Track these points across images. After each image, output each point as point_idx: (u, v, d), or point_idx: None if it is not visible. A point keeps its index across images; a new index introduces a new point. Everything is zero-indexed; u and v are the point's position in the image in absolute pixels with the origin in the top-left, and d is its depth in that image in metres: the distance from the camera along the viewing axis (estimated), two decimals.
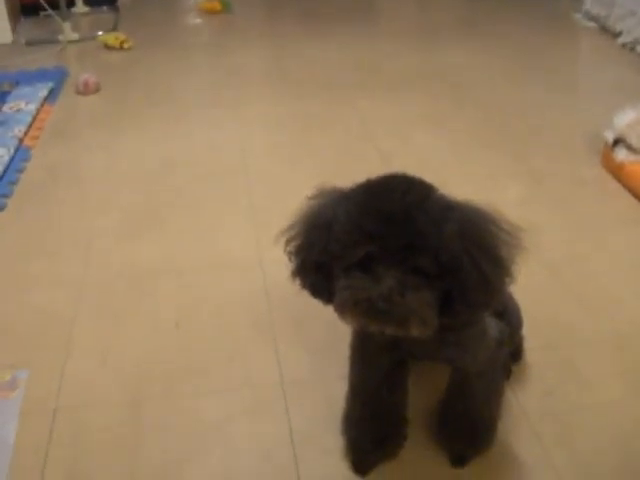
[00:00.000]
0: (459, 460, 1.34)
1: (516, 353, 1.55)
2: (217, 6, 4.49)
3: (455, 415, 1.34)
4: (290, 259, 1.15)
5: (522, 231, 1.10)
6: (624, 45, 3.68)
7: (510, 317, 1.44)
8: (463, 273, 1.03)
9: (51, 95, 3.20)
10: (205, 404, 1.51)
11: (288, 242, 1.15)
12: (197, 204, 2.29)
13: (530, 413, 1.46)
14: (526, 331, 1.55)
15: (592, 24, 4.04)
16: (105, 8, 4.57)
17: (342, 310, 1.04)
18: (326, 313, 1.70)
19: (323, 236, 1.08)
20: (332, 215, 1.07)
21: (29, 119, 2.91)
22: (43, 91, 3.18)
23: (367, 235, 1.01)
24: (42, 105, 3.08)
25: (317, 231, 1.10)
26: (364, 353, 1.30)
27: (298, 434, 1.42)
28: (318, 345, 1.65)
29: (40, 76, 3.39)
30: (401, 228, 1.00)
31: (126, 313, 1.80)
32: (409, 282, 1.00)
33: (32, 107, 3.02)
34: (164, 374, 1.60)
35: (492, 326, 1.26)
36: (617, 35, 3.77)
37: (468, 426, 1.32)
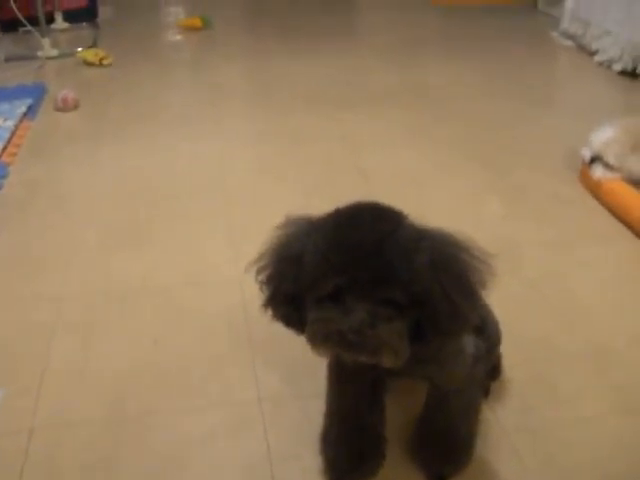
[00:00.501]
0: (437, 478, 1.33)
1: (495, 371, 1.55)
2: (197, 22, 4.50)
3: (433, 433, 1.33)
4: (261, 289, 1.15)
5: (492, 257, 1.10)
6: (600, 63, 3.72)
7: (489, 332, 1.43)
8: (434, 303, 1.03)
9: (30, 111, 3.18)
10: (184, 422, 1.50)
11: (259, 272, 1.14)
12: (177, 220, 2.28)
13: (509, 430, 1.45)
14: (505, 347, 1.54)
15: (569, 42, 4.09)
16: (85, 24, 4.57)
17: (313, 342, 1.05)
18: None
19: (293, 268, 1.07)
20: (301, 247, 1.07)
21: (7, 135, 2.89)
22: (21, 107, 3.17)
23: (336, 268, 1.00)
24: (20, 121, 3.06)
25: (287, 263, 1.09)
26: (341, 372, 1.29)
27: (276, 452, 1.41)
28: (296, 362, 1.64)
29: (19, 92, 3.38)
30: (370, 261, 0.99)
31: (105, 330, 1.79)
32: (380, 313, 0.99)
33: (10, 123, 3.00)
34: (143, 392, 1.58)
35: (469, 343, 1.26)
36: (593, 54, 3.81)
37: (446, 444, 1.32)
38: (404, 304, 1.01)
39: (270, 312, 1.15)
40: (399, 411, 1.45)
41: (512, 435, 1.44)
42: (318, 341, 1.04)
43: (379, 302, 1.00)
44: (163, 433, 1.47)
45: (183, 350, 1.71)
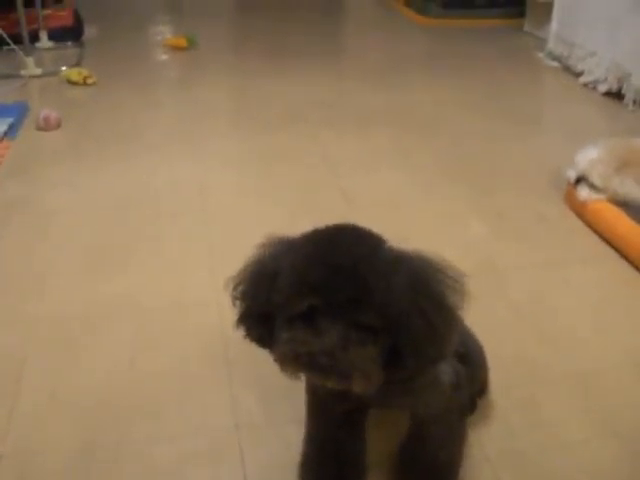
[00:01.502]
0: None
1: (481, 389, 1.53)
2: (183, 42, 4.48)
3: (413, 461, 1.30)
4: (235, 305, 1.12)
5: (467, 278, 1.08)
6: (586, 84, 3.73)
7: (473, 357, 1.42)
8: (412, 326, 1.00)
9: (10, 130, 3.14)
10: (158, 450, 1.45)
11: (234, 288, 1.12)
12: (156, 242, 2.25)
13: (492, 455, 1.42)
14: (489, 370, 1.53)
15: (555, 63, 4.09)
16: (70, 44, 4.54)
17: (282, 363, 1.02)
18: None
19: (267, 286, 1.05)
20: (277, 265, 1.05)
21: None
22: (2, 126, 3.12)
23: (311, 287, 0.98)
24: (1, 141, 3.02)
25: (261, 281, 1.07)
26: (318, 400, 1.26)
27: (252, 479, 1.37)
28: (274, 386, 1.60)
29: (0, 111, 3.34)
30: (347, 282, 0.97)
31: (79, 353, 1.75)
32: (353, 337, 0.96)
33: None
34: (116, 417, 1.54)
35: (446, 371, 1.23)
36: (579, 74, 3.82)
37: (426, 472, 1.29)
38: (379, 328, 0.98)
39: (242, 330, 1.13)
40: (381, 438, 1.41)
41: (495, 461, 1.41)
42: (287, 362, 1.00)
43: (353, 325, 0.97)
44: (134, 463, 1.42)
45: (159, 374, 1.67)
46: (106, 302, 1.94)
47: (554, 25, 4.10)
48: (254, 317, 1.09)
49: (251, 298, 1.10)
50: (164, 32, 5.04)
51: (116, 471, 1.41)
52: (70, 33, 4.60)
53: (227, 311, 1.84)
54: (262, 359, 1.67)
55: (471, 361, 1.39)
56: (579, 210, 2.36)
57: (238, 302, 1.12)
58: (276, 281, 1.03)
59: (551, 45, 4.14)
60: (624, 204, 2.24)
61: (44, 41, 4.47)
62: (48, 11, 4.67)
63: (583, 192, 2.32)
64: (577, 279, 2.05)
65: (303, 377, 1.06)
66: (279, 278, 1.03)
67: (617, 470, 1.41)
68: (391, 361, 1.02)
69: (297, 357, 0.98)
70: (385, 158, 2.86)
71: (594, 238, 2.25)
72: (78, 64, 4.08)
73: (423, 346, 1.02)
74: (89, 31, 4.80)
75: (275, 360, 1.03)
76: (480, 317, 1.48)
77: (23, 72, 3.92)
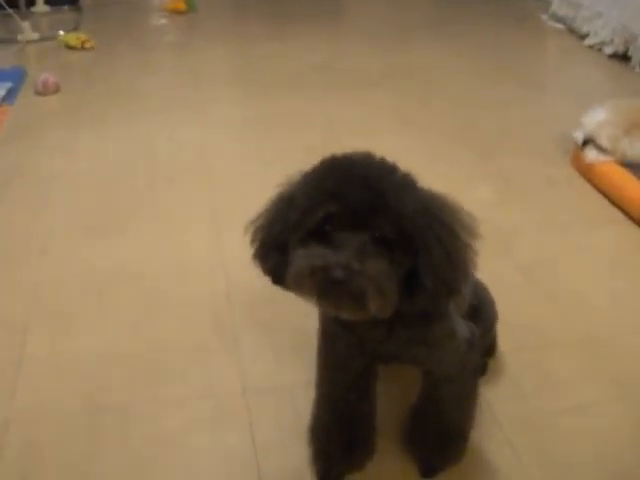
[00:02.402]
0: (429, 471, 1.29)
1: (491, 348, 1.53)
2: (181, 6, 4.41)
3: (425, 422, 1.29)
4: (252, 243, 1.09)
5: (476, 220, 1.07)
6: (591, 47, 3.68)
7: (486, 312, 1.41)
8: (427, 248, 0.99)
9: (9, 95, 3.10)
10: (164, 414, 1.44)
11: (251, 226, 1.10)
12: (159, 206, 2.22)
13: (502, 419, 1.41)
14: (498, 333, 1.52)
15: (559, 25, 4.04)
16: (66, 8, 4.46)
17: (297, 280, 0.98)
18: (291, 317, 1.67)
19: (284, 210, 1.04)
20: (293, 188, 1.05)
21: None
22: (0, 91, 3.08)
23: (327, 194, 0.97)
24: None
25: (277, 207, 1.07)
26: (331, 357, 1.25)
27: (262, 444, 1.36)
28: (283, 351, 1.59)
29: None
30: (363, 188, 0.96)
31: (83, 319, 1.73)
32: (369, 251, 0.95)
33: None
34: (122, 382, 1.53)
35: (462, 326, 1.21)
36: (584, 36, 3.76)
37: (438, 434, 1.27)
38: (394, 243, 0.96)
39: (258, 264, 1.09)
40: (391, 402, 1.40)
41: (505, 424, 1.40)
42: (303, 278, 0.97)
43: (369, 240, 0.96)
44: (142, 426, 1.42)
45: (164, 339, 1.65)
46: (108, 267, 1.92)
47: None
48: (270, 247, 1.07)
49: (268, 228, 1.07)
50: None
51: (122, 436, 1.40)
52: None
53: (232, 275, 1.86)
54: (269, 322, 1.68)
55: (485, 314, 1.39)
56: (586, 172, 2.33)
57: (255, 237, 1.09)
58: (292, 202, 1.02)
59: (555, 6, 4.08)
60: (632, 165, 2.21)
61: (40, 5, 4.40)
62: None
63: (590, 154, 2.29)
64: (585, 242, 2.03)
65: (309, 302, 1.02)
66: (295, 197, 1.02)
67: (627, 433, 1.40)
68: (408, 288, 1.00)
69: (313, 272, 0.95)
70: (388, 122, 2.83)
71: (602, 201, 2.22)
72: (76, 28, 4.02)
73: (440, 268, 1.00)
74: None
75: (289, 279, 1.00)
76: (488, 281, 1.48)
77: (20, 37, 3.87)
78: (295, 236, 1.00)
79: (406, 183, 1.02)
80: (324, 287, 0.95)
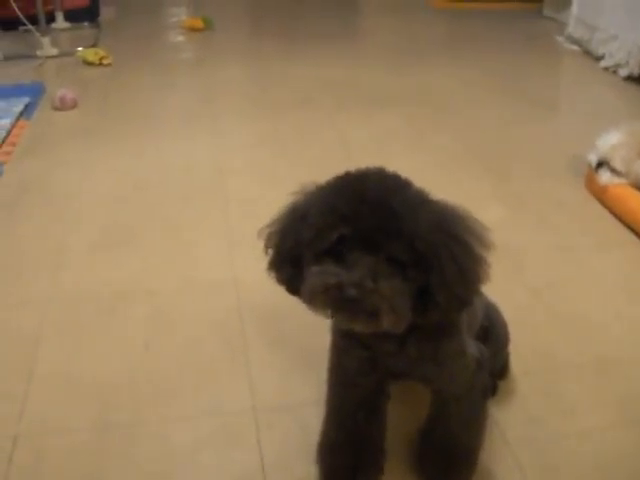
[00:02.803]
0: None
1: (503, 369, 1.53)
2: (199, 24, 4.46)
3: (433, 443, 1.28)
4: (266, 252, 1.11)
5: (489, 230, 1.08)
6: (606, 69, 3.68)
7: (497, 332, 1.41)
8: (440, 265, 1.00)
9: (27, 110, 3.14)
10: (173, 431, 1.45)
11: (264, 232, 1.12)
12: (172, 223, 2.23)
13: (512, 442, 1.40)
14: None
15: (575, 47, 4.04)
16: (86, 24, 4.52)
17: (311, 297, 1.00)
18: (301, 336, 1.67)
19: (297, 225, 1.05)
20: (308, 203, 1.06)
21: (3, 134, 2.84)
22: (19, 106, 3.12)
23: (341, 217, 0.98)
24: (17, 120, 3.01)
25: (291, 221, 1.08)
26: (341, 373, 1.25)
27: (269, 463, 1.36)
28: (293, 369, 1.59)
29: (16, 91, 3.33)
30: (376, 211, 0.97)
31: (94, 334, 1.74)
32: (382, 269, 0.96)
33: (6, 122, 2.95)
34: (131, 399, 1.53)
35: (471, 346, 1.21)
36: (599, 58, 3.76)
37: (447, 455, 1.27)
38: (407, 262, 0.98)
39: (273, 275, 1.11)
40: (401, 422, 1.39)
41: (515, 447, 1.39)
42: (316, 295, 0.99)
43: (382, 259, 0.97)
44: (150, 444, 1.42)
45: (175, 356, 1.66)
46: (121, 283, 1.93)
47: (574, 8, 4.04)
48: (284, 259, 1.08)
49: (282, 240, 1.09)
50: (181, 13, 5.02)
51: (131, 452, 1.40)
52: (86, 13, 4.59)
53: (244, 292, 1.86)
54: (280, 340, 1.68)
55: (495, 336, 1.39)
56: (600, 195, 2.32)
57: (269, 248, 1.11)
58: (306, 218, 1.03)
59: (571, 28, 4.09)
60: None
61: (60, 21, 4.46)
62: None
63: (604, 176, 2.28)
64: (597, 264, 2.02)
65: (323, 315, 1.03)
66: (309, 214, 1.03)
67: (637, 458, 1.39)
68: (421, 303, 1.01)
69: (326, 289, 0.96)
70: (401, 140, 2.83)
71: (615, 223, 2.21)
72: (94, 45, 4.07)
73: (452, 285, 1.01)
74: (106, 11, 4.79)
75: (304, 296, 1.01)
76: (500, 302, 1.48)
77: (39, 52, 3.92)
78: (309, 253, 1.02)
79: (419, 200, 1.03)
80: (338, 304, 0.97)
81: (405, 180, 1.06)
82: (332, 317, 1.02)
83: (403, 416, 1.41)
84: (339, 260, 0.98)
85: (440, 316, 1.05)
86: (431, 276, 1.00)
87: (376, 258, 0.97)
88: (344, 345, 1.20)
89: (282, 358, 1.63)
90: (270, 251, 1.11)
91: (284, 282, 1.10)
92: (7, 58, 3.90)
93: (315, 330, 1.63)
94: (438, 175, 2.52)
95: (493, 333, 1.38)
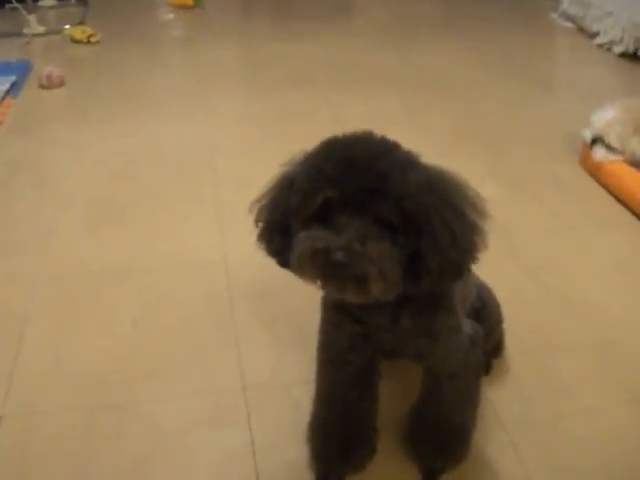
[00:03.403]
0: (431, 474, 1.26)
1: (497, 348, 1.50)
2: (189, 1, 4.39)
3: (426, 423, 1.26)
4: (257, 226, 1.09)
5: (484, 200, 1.05)
6: (601, 45, 3.65)
7: (489, 312, 1.39)
8: (431, 229, 0.96)
9: (13, 88, 3.09)
10: (162, 411, 1.42)
11: (254, 206, 1.09)
12: (162, 201, 2.20)
13: (507, 422, 1.38)
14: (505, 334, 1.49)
15: (569, 24, 4.01)
16: (73, 1, 4.46)
17: (300, 264, 0.97)
18: (292, 315, 1.65)
19: (285, 193, 1.03)
20: (294, 171, 1.03)
21: None
22: (5, 84, 3.07)
23: (326, 179, 0.96)
24: (3, 99, 2.96)
25: (280, 189, 1.06)
26: (332, 350, 1.21)
27: (260, 443, 1.34)
28: (283, 348, 1.57)
29: (2, 69, 3.28)
30: (363, 172, 0.95)
31: (82, 313, 1.71)
32: (371, 233, 0.93)
33: None
34: (120, 378, 1.51)
35: (466, 323, 1.19)
36: (594, 35, 3.73)
37: (440, 435, 1.24)
38: (397, 225, 0.95)
39: (263, 246, 1.09)
40: (393, 401, 1.37)
41: (509, 427, 1.37)
42: (304, 261, 0.96)
43: (370, 222, 0.94)
44: (140, 423, 1.39)
45: (164, 335, 1.63)
46: (110, 262, 1.90)
47: None
48: (274, 229, 1.06)
49: (271, 210, 1.07)
50: None
51: (120, 433, 1.37)
52: None
53: (234, 271, 1.83)
54: (270, 320, 1.66)
55: (488, 316, 1.36)
56: (595, 172, 2.30)
57: (259, 221, 1.09)
58: (293, 185, 1.01)
59: (565, 5, 4.05)
60: None
61: None
62: None
63: (599, 153, 2.26)
64: (593, 243, 2.00)
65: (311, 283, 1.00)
66: (296, 180, 1.01)
67: (633, 438, 1.37)
68: (412, 271, 0.98)
69: (314, 255, 0.94)
70: (397, 118, 2.80)
71: (610, 200, 2.19)
72: (82, 22, 4.00)
73: (445, 249, 0.98)
74: None
75: (293, 264, 0.99)
76: (495, 281, 1.45)
77: (26, 30, 3.86)
78: (297, 219, 1.00)
79: (408, 161, 1.00)
80: (326, 270, 0.94)
81: (393, 142, 1.03)
82: (322, 287, 1.00)
83: (395, 394, 1.39)
84: (327, 225, 0.95)
85: (433, 284, 1.01)
86: (422, 241, 0.97)
87: (364, 221, 0.94)
88: (336, 320, 1.17)
89: (272, 338, 1.61)
90: (260, 224, 1.08)
91: (274, 254, 1.07)
92: None
93: (306, 309, 1.61)
94: (434, 153, 2.43)
95: (485, 313, 1.36)
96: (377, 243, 0.93)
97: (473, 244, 1.01)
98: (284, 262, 1.05)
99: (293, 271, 1.00)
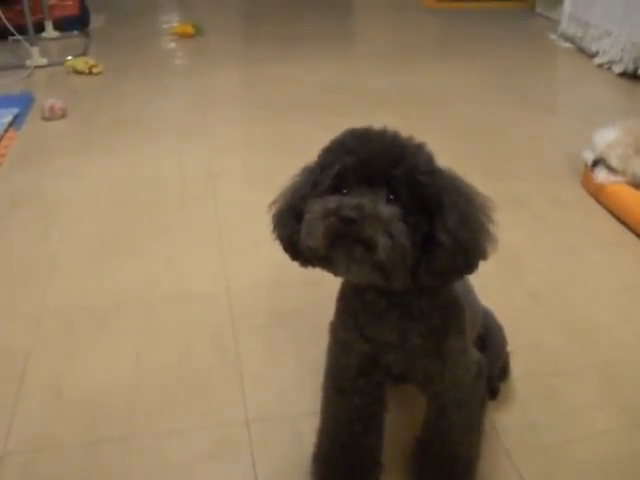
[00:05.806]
0: None
1: (503, 372, 1.49)
2: (190, 30, 4.43)
3: (432, 453, 1.24)
4: (270, 210, 1.12)
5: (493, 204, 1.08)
6: (600, 65, 3.66)
7: (494, 337, 1.38)
8: (442, 211, 0.99)
9: (16, 121, 3.10)
10: (166, 445, 1.41)
11: (272, 206, 1.12)
12: (164, 232, 2.19)
13: (511, 448, 1.37)
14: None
15: (568, 44, 4.03)
16: (76, 33, 4.49)
17: (309, 226, 0.98)
18: (296, 346, 1.64)
19: (305, 177, 1.09)
20: (314, 163, 1.09)
21: None
22: (7, 117, 3.08)
23: (345, 150, 1.01)
24: (6, 131, 2.98)
25: (300, 176, 1.11)
26: (339, 377, 1.21)
27: (263, 476, 1.32)
28: (287, 380, 1.56)
29: (5, 102, 3.29)
30: (380, 144, 1.01)
31: (85, 347, 1.70)
32: (381, 199, 0.97)
33: None
34: (123, 412, 1.49)
35: (473, 350, 1.19)
36: (593, 55, 3.74)
37: (445, 467, 1.23)
38: (409, 206, 0.97)
39: (276, 232, 1.10)
40: (399, 435, 1.35)
41: (514, 454, 1.36)
42: (315, 222, 0.96)
43: (383, 197, 0.97)
44: (142, 458, 1.38)
45: (167, 367, 1.62)
46: (112, 294, 1.89)
47: (567, 5, 4.03)
48: (289, 215, 1.07)
49: (289, 194, 1.10)
50: (171, 20, 4.99)
51: (122, 469, 1.36)
52: (76, 22, 4.56)
53: (237, 302, 1.82)
54: (274, 351, 1.65)
55: (492, 341, 1.36)
56: (596, 193, 2.29)
57: (273, 207, 1.11)
58: (312, 170, 1.08)
59: (564, 26, 4.07)
60: None
61: (49, 31, 4.43)
62: (53, 0, 4.59)
63: (601, 174, 2.25)
64: (596, 264, 1.99)
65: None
66: (315, 166, 1.08)
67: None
68: (424, 255, 0.99)
69: (325, 214, 0.95)
70: None
71: (612, 222, 2.18)
72: (84, 53, 4.04)
73: (456, 231, 0.99)
74: (95, 20, 4.76)
75: (303, 229, 1.00)
76: (498, 304, 1.45)
77: (28, 62, 3.88)
78: (313, 193, 1.02)
79: (422, 147, 1.05)
80: (336, 231, 0.94)
81: (410, 136, 1.08)
82: (329, 257, 0.99)
83: (400, 424, 1.38)
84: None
85: (444, 272, 1.02)
86: (434, 221, 0.99)
87: (377, 195, 0.97)
88: (345, 338, 1.17)
89: (276, 369, 1.60)
90: (274, 215, 1.11)
91: (285, 238, 1.08)
92: None
93: (309, 340, 1.61)
94: None
95: (489, 339, 1.36)
96: (388, 207, 0.95)
97: (483, 229, 1.03)
98: (295, 253, 1.06)
99: (302, 239, 1.00)
